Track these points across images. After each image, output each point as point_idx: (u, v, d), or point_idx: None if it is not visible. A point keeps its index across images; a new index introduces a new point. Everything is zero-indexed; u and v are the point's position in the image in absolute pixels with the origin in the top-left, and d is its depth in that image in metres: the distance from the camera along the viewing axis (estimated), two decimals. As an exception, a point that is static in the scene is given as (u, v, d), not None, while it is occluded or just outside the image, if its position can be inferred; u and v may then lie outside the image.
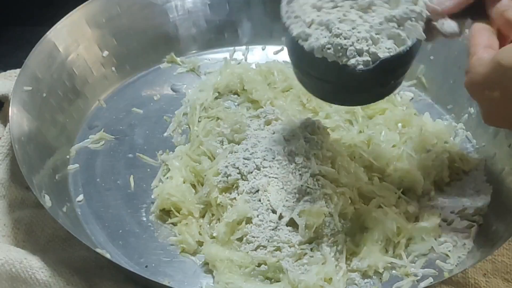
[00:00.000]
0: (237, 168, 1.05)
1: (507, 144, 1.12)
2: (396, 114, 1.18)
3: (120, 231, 1.05)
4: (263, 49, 1.34)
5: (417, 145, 1.13)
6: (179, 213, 1.06)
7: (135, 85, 1.27)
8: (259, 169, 1.05)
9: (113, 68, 1.26)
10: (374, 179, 1.09)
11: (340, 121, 1.16)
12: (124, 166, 1.14)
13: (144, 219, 1.07)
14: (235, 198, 1.03)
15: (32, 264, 0.96)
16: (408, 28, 0.93)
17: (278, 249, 0.99)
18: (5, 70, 1.23)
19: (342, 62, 0.92)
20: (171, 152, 1.15)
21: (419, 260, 1.03)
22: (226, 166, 1.05)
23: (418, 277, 1.01)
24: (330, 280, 0.97)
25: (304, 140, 1.08)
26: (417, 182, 1.09)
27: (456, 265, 1.02)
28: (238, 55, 1.34)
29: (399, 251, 1.03)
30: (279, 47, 1.33)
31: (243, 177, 1.04)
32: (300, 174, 1.04)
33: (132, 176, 1.12)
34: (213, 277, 1.00)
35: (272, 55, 1.31)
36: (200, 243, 1.03)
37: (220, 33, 1.34)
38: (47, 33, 1.17)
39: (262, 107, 1.19)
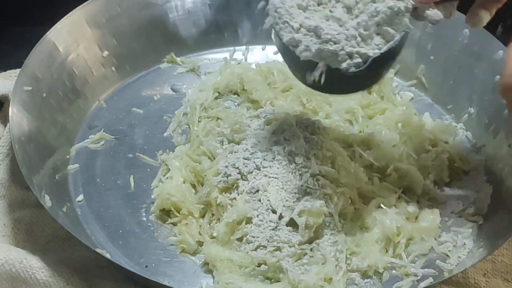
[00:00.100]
0: (237, 168, 1.05)
1: (507, 144, 1.12)
2: (396, 114, 1.18)
3: (120, 231, 1.06)
4: (263, 49, 1.34)
5: (417, 145, 1.13)
6: (179, 213, 1.06)
7: (135, 85, 1.27)
8: (259, 169, 1.05)
9: (113, 68, 1.26)
10: (374, 179, 1.09)
11: (340, 121, 1.16)
12: (124, 166, 1.14)
13: (144, 219, 1.07)
14: (235, 198, 1.03)
15: (32, 264, 0.96)
16: (395, 22, 0.95)
17: (278, 249, 0.99)
18: (5, 70, 1.23)
19: (334, 66, 0.94)
20: (171, 152, 1.15)
21: (419, 260, 1.03)
22: (226, 166, 1.05)
23: (418, 277, 1.01)
24: (330, 280, 0.97)
25: (304, 140, 1.08)
26: (417, 182, 1.09)
27: (456, 265, 1.02)
28: (238, 55, 1.34)
29: (399, 251, 1.03)
30: (279, 47, 1.33)
31: (243, 177, 1.04)
32: (300, 174, 1.04)
33: (132, 176, 1.12)
34: (213, 277, 1.00)
35: (272, 55, 1.31)
36: (200, 243, 1.03)
37: (220, 33, 1.34)
38: (47, 33, 1.17)
39: (262, 107, 1.19)
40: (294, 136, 1.09)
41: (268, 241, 0.99)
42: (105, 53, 1.25)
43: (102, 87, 1.24)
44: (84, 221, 1.06)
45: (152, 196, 1.09)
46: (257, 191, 1.03)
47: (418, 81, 1.29)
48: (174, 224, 1.06)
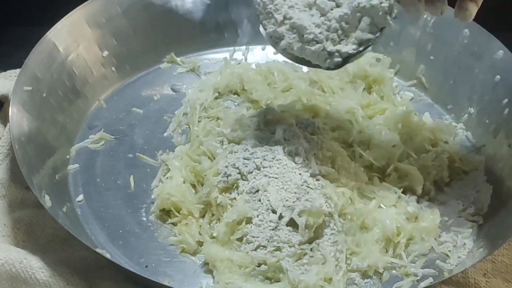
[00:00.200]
0: (237, 168, 1.05)
1: (507, 144, 1.12)
2: (396, 114, 1.18)
3: (120, 231, 1.06)
4: (263, 49, 1.34)
5: (417, 145, 1.13)
6: (179, 213, 1.06)
7: (135, 85, 1.27)
8: (259, 169, 1.04)
9: (113, 68, 1.26)
10: (374, 179, 1.09)
11: (340, 121, 1.16)
12: (124, 166, 1.14)
13: (144, 219, 1.07)
14: (235, 198, 1.03)
15: (32, 264, 0.96)
16: (377, 17, 0.97)
17: (278, 249, 0.99)
18: (5, 70, 1.23)
19: (314, 62, 1.01)
20: (171, 152, 1.15)
21: (419, 260, 1.03)
22: (226, 166, 1.05)
23: (418, 277, 1.01)
24: (330, 280, 0.97)
25: (304, 140, 1.08)
26: (417, 182, 1.09)
27: (456, 265, 1.02)
28: (238, 55, 1.34)
29: (399, 251, 1.03)
30: (279, 47, 1.33)
31: (243, 177, 1.04)
32: (300, 174, 1.04)
33: (132, 176, 1.12)
34: (213, 277, 1.00)
35: (272, 55, 1.31)
36: (200, 243, 1.03)
37: (220, 33, 1.34)
38: (47, 33, 1.17)
39: (262, 107, 1.19)
40: (294, 136, 1.09)
41: (268, 241, 0.99)
42: (105, 53, 1.25)
43: (102, 87, 1.24)
44: (84, 221, 1.06)
45: (152, 196, 1.09)
46: (257, 191, 1.03)
47: (418, 81, 1.29)
48: (174, 224, 1.06)
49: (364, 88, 1.25)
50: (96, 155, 1.16)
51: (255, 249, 1.00)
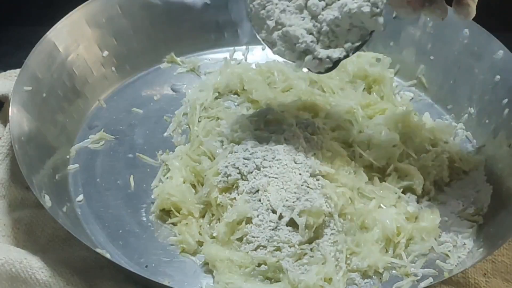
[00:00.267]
0: (237, 168, 1.05)
1: (507, 144, 1.12)
2: (396, 114, 1.18)
3: (120, 231, 1.05)
4: (263, 49, 1.34)
5: (417, 145, 1.13)
6: (179, 213, 1.06)
7: (135, 85, 1.27)
8: (259, 169, 1.04)
9: (113, 68, 1.26)
10: (374, 179, 1.09)
11: (340, 121, 1.16)
12: (124, 166, 1.14)
13: (144, 219, 1.07)
14: (235, 198, 1.03)
15: (32, 264, 0.96)
16: (367, 21, 0.99)
17: (278, 249, 0.99)
18: (5, 70, 1.23)
19: (305, 67, 1.04)
20: (171, 152, 1.15)
21: (419, 260, 1.03)
22: (226, 166, 1.05)
23: (418, 277, 1.01)
24: (330, 280, 0.97)
25: (304, 140, 1.08)
26: (417, 182, 1.09)
27: (456, 265, 1.02)
28: (238, 55, 1.34)
29: (399, 251, 1.03)
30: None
31: (243, 177, 1.04)
32: (300, 174, 1.04)
33: (132, 176, 1.12)
34: (213, 277, 1.00)
35: (272, 55, 1.31)
36: (200, 243, 1.03)
37: (220, 33, 1.34)
38: (47, 33, 1.17)
39: (262, 107, 1.19)
40: (294, 136, 1.09)
41: (268, 241, 0.99)
42: (105, 53, 1.25)
43: (102, 87, 1.24)
44: (84, 221, 1.06)
45: (152, 196, 1.09)
46: (257, 191, 1.03)
47: (418, 81, 1.29)
48: (174, 224, 1.06)
49: (364, 88, 1.25)
50: (96, 155, 1.16)
51: (255, 249, 1.00)
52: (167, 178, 1.10)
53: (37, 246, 1.02)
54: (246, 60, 1.33)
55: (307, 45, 1.01)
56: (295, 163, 1.05)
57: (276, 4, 1.02)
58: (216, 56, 1.33)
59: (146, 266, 1.01)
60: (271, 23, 1.02)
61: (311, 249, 1.00)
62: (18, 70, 1.14)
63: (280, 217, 1.01)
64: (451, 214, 1.08)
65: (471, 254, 1.03)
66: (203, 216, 1.06)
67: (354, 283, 1.00)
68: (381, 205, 1.06)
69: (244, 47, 1.34)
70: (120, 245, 1.04)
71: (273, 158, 1.05)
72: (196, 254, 1.03)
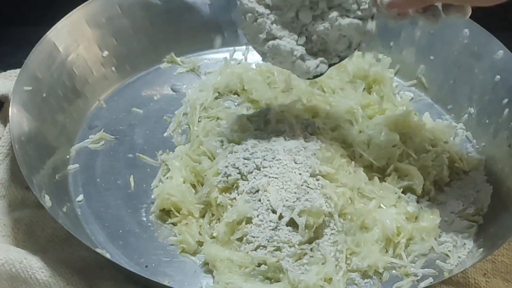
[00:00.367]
0: (237, 168, 1.05)
1: (507, 144, 1.12)
2: (396, 114, 1.18)
3: (120, 231, 1.05)
4: (263, 49, 1.34)
5: (417, 145, 1.13)
6: (179, 213, 1.06)
7: (135, 85, 1.27)
8: (259, 169, 1.04)
9: (113, 68, 1.26)
10: (374, 179, 1.09)
11: (340, 121, 1.16)
12: (124, 166, 1.14)
13: (144, 219, 1.07)
14: (235, 198, 1.03)
15: (32, 264, 0.96)
16: (357, 35, 1.01)
17: (278, 249, 0.99)
18: (5, 70, 1.23)
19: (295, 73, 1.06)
20: (171, 152, 1.15)
21: (419, 260, 1.03)
22: (226, 166, 1.05)
23: (418, 277, 1.01)
24: (330, 280, 0.97)
25: (304, 140, 1.08)
26: (417, 182, 1.09)
27: (456, 265, 1.02)
28: (238, 55, 1.34)
29: (399, 251, 1.03)
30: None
31: (243, 177, 1.04)
32: (300, 174, 1.04)
33: (132, 176, 1.12)
34: (213, 277, 1.00)
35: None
36: (200, 243, 1.03)
37: (220, 33, 1.34)
38: (47, 33, 1.17)
39: (262, 107, 1.19)
40: (294, 136, 1.09)
41: (268, 241, 0.99)
42: (105, 53, 1.25)
43: (102, 87, 1.24)
44: (84, 221, 1.06)
45: (152, 196, 1.09)
46: (257, 191, 1.03)
47: (418, 81, 1.29)
48: (174, 224, 1.06)
49: (364, 88, 1.25)
50: (96, 155, 1.16)
51: (255, 249, 1.00)
52: (167, 178, 1.10)
53: (37, 246, 1.02)
54: (246, 60, 1.33)
55: (297, 57, 1.03)
56: (295, 163, 1.05)
57: (268, 15, 1.02)
58: (216, 56, 1.33)
59: (146, 266, 1.01)
60: (262, 36, 1.03)
61: (311, 249, 1.00)
62: (18, 70, 1.14)
63: (280, 217, 1.00)
64: (451, 214, 1.08)
65: (471, 254, 1.03)
66: (203, 216, 1.06)
67: (354, 283, 1.00)
68: (381, 205, 1.06)
69: (244, 47, 1.34)
70: (120, 245, 1.04)
71: (273, 158, 1.05)
72: (196, 254, 1.03)
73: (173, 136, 1.19)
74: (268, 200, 1.02)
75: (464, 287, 1.02)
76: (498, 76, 1.18)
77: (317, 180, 1.04)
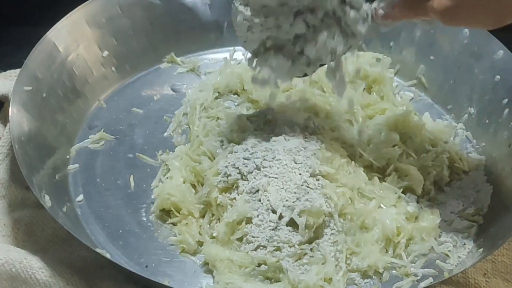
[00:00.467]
0: (237, 168, 1.05)
1: (507, 144, 1.12)
2: (396, 114, 1.18)
3: (120, 231, 1.05)
4: (263, 49, 1.34)
5: (417, 145, 1.13)
6: (179, 213, 1.06)
7: (135, 85, 1.27)
8: (259, 169, 1.04)
9: (113, 68, 1.26)
10: (374, 179, 1.09)
11: (340, 121, 1.16)
12: (124, 166, 1.14)
13: (144, 219, 1.07)
14: (235, 198, 1.03)
15: (32, 264, 0.96)
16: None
17: (278, 249, 0.99)
18: (5, 70, 1.23)
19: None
20: (171, 152, 1.15)
21: (419, 260, 1.03)
22: (226, 166, 1.05)
23: (418, 277, 1.01)
24: (330, 280, 0.97)
25: (304, 140, 1.08)
26: (417, 182, 1.09)
27: (456, 265, 1.02)
28: (238, 55, 1.33)
29: (399, 251, 1.03)
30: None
31: (243, 177, 1.04)
32: (300, 174, 1.04)
33: (132, 176, 1.12)
34: (213, 277, 1.00)
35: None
36: (200, 243, 1.03)
37: (220, 33, 1.34)
38: (47, 33, 1.17)
39: (262, 107, 1.19)
40: (294, 136, 1.09)
41: (268, 241, 0.99)
42: (105, 53, 1.25)
43: (102, 87, 1.24)
44: (84, 221, 1.06)
45: (152, 196, 1.09)
46: (257, 191, 1.02)
47: (418, 81, 1.29)
48: (174, 224, 1.06)
49: (364, 88, 1.25)
50: (96, 155, 1.16)
51: (255, 249, 1.00)
52: (167, 178, 1.10)
53: (37, 246, 1.02)
54: (246, 60, 1.33)
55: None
56: (295, 163, 1.05)
57: (262, 25, 1.02)
58: (216, 56, 1.33)
59: (146, 266, 1.01)
60: (254, 45, 1.04)
61: (311, 249, 1.00)
62: (18, 70, 1.14)
63: (280, 217, 1.00)
64: (451, 214, 1.08)
65: (471, 254, 1.03)
66: (203, 216, 1.06)
67: (354, 283, 1.00)
68: (381, 205, 1.06)
69: (244, 47, 1.34)
70: (120, 245, 1.04)
71: (273, 158, 1.05)
72: (196, 254, 1.03)
73: (173, 136, 1.19)
74: (268, 200, 1.02)
75: (464, 287, 1.02)
76: (498, 76, 1.18)
77: (317, 180, 1.03)
